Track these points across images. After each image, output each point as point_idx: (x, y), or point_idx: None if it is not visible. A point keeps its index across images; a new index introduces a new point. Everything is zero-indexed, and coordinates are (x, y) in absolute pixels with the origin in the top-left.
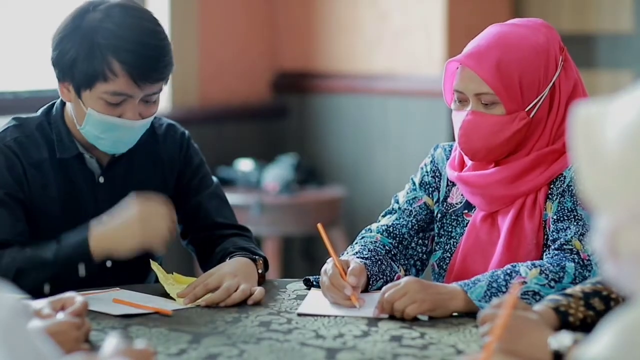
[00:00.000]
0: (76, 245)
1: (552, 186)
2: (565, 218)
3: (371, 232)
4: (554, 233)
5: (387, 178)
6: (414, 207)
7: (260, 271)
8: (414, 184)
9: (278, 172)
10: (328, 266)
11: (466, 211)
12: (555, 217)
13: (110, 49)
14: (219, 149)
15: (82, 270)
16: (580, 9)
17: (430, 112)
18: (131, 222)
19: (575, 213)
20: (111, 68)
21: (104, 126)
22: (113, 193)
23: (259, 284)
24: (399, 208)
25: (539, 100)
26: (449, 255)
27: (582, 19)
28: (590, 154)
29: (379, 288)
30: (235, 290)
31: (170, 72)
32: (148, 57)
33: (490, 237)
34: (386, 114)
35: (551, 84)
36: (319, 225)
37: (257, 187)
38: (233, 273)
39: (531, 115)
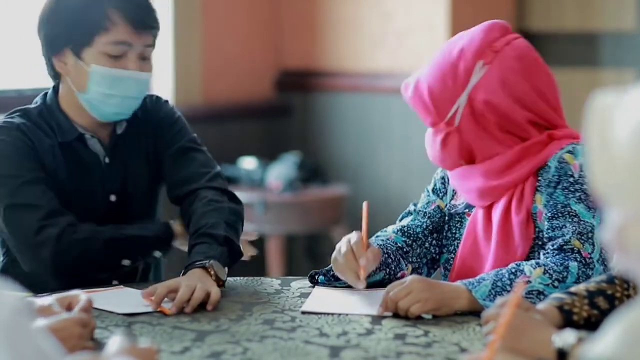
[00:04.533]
0: (160, 225)
1: (539, 178)
2: (560, 215)
3: (386, 232)
4: (549, 231)
5: (390, 176)
6: (429, 210)
7: (212, 273)
8: (428, 191)
9: (281, 171)
10: (344, 241)
11: (467, 211)
12: (549, 213)
13: (107, 0)
14: (222, 147)
15: (157, 253)
16: (584, 7)
17: None
18: None
19: (569, 209)
20: (110, 17)
21: (111, 80)
22: (116, 173)
23: (220, 286)
24: (415, 210)
25: (456, 110)
26: (453, 256)
27: (585, 18)
28: (602, 146)
29: (381, 280)
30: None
31: (158, 28)
32: (140, 5)
33: (486, 233)
34: (390, 112)
35: (466, 92)
36: (365, 204)
37: (260, 185)
38: (187, 281)
39: (455, 124)
